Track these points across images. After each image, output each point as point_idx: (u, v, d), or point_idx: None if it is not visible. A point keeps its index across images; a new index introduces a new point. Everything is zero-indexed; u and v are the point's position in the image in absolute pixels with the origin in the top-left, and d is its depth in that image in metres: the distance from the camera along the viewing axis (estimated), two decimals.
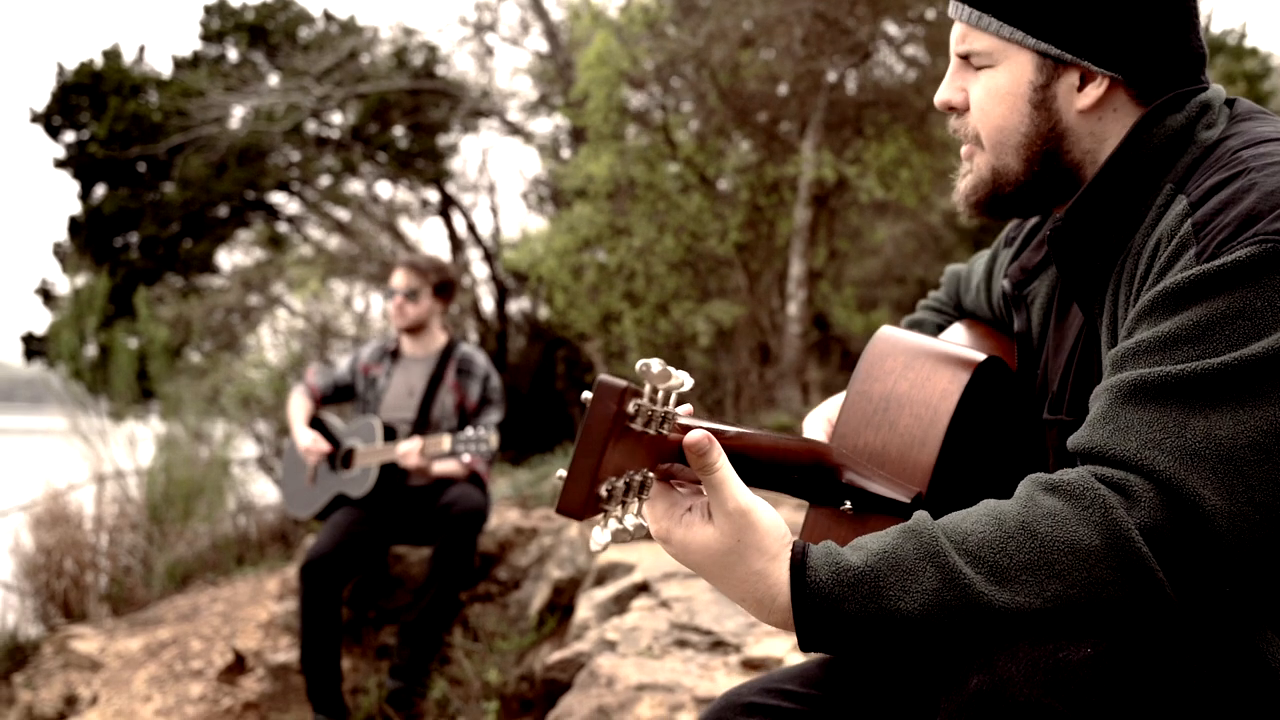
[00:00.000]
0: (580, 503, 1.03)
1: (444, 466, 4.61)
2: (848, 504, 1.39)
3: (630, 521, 1.09)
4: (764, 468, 1.28)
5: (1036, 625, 1.11)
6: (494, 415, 4.77)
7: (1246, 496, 1.10)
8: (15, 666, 5.54)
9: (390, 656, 4.66)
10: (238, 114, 13.90)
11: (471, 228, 14.75)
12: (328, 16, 15.40)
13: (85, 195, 15.02)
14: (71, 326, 9.04)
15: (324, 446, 4.74)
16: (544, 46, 13.52)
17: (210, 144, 13.63)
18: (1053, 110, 1.38)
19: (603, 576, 4.20)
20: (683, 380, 1.08)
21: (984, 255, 1.80)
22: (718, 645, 3.28)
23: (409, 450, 4.46)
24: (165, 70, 15.41)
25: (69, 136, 15.01)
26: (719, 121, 9.99)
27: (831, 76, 9.80)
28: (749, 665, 3.10)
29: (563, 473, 1.05)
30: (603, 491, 1.04)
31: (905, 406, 1.43)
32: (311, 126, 14.37)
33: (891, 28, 10.10)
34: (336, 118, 14.60)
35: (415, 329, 4.82)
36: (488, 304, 14.10)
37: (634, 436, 1.06)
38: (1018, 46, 1.37)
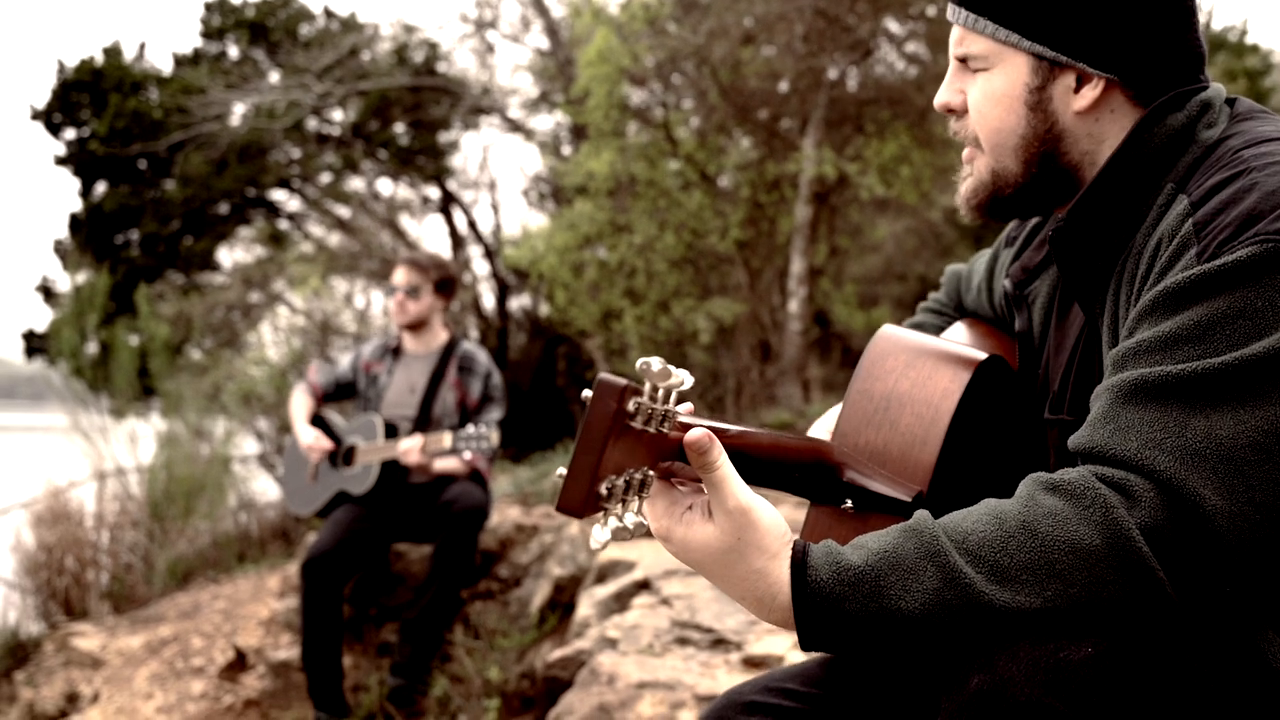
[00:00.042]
0: (580, 501, 1.03)
1: (445, 464, 4.61)
2: (849, 502, 1.39)
3: (630, 519, 1.09)
4: (765, 466, 1.28)
5: (1037, 625, 1.11)
6: (495, 413, 4.77)
7: (1247, 496, 1.10)
8: (17, 664, 5.54)
9: (391, 654, 4.67)
10: (238, 111, 13.90)
11: (472, 225, 14.75)
12: (328, 13, 15.39)
13: (86, 192, 15.02)
14: (72, 324, 9.04)
15: (326, 444, 4.74)
16: (545, 43, 13.51)
17: (211, 141, 13.63)
18: (1049, 112, 1.38)
19: (604, 574, 4.20)
20: (683, 379, 1.08)
21: (984, 254, 1.80)
22: (719, 643, 3.28)
23: (410, 447, 4.46)
24: (166, 67, 15.41)
25: (70, 134, 15.00)
26: (720, 118, 9.98)
27: (832, 73, 9.79)
28: (750, 663, 3.10)
29: (563, 471, 1.05)
30: (603, 490, 1.04)
31: (906, 405, 1.43)
32: (312, 124, 14.37)
33: (893, 24, 10.09)
34: (337, 115, 14.59)
35: (417, 326, 4.82)
36: (489, 301, 14.11)
37: (634, 435, 1.06)
38: (1013, 49, 1.38)
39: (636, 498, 1.11)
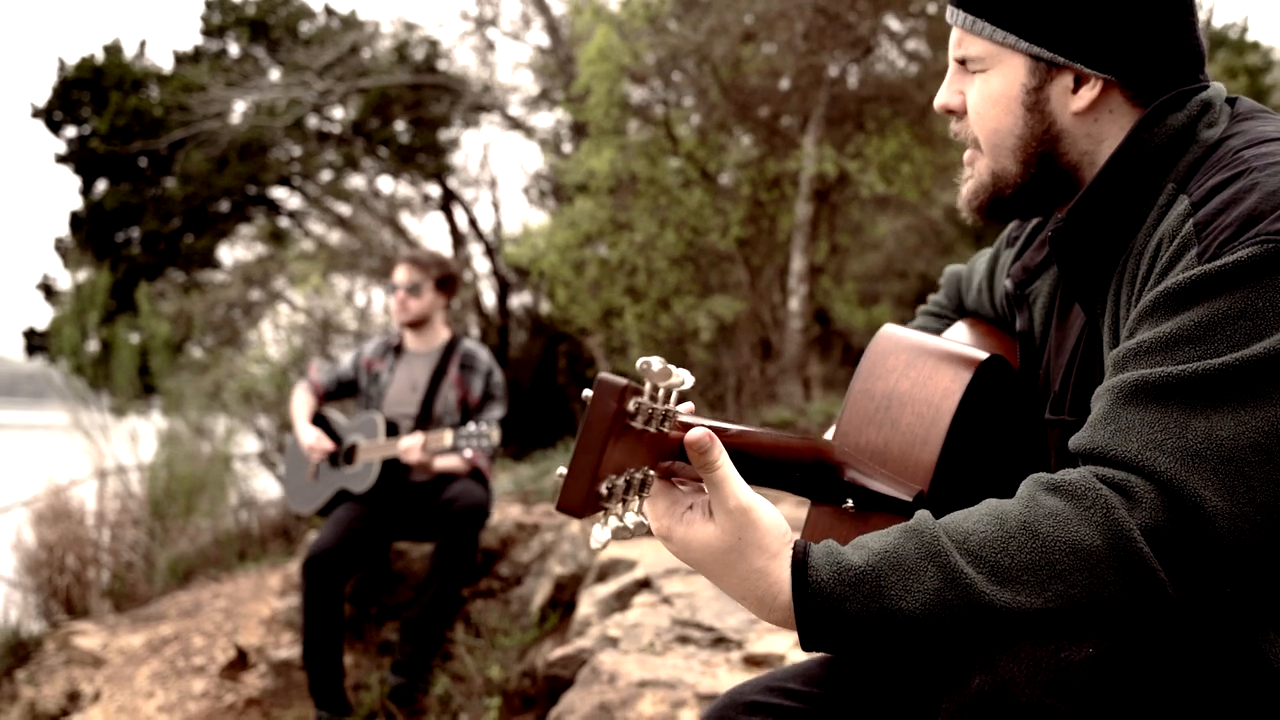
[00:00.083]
0: (580, 500, 1.04)
1: (446, 462, 4.61)
2: (849, 502, 1.40)
3: (630, 519, 1.09)
4: (766, 465, 1.29)
5: (1038, 625, 1.11)
6: (497, 411, 4.77)
7: (1248, 497, 1.10)
8: (18, 663, 5.54)
9: (392, 652, 4.67)
10: (239, 109, 13.89)
11: (473, 223, 14.75)
12: (329, 11, 15.37)
13: (86, 190, 15.01)
14: (73, 322, 9.05)
15: (327, 445, 4.74)
16: (545, 41, 13.50)
17: (211, 139, 13.62)
18: (1046, 112, 1.38)
19: (604, 573, 4.20)
20: (683, 378, 1.08)
21: (984, 255, 1.81)
22: (719, 641, 3.28)
23: (411, 445, 4.46)
24: (166, 65, 15.39)
25: (70, 132, 14.99)
26: (720, 116, 9.97)
27: (833, 71, 9.78)
28: (751, 662, 3.10)
29: (563, 470, 1.05)
30: (603, 489, 1.04)
31: (907, 405, 1.44)
32: (313, 121, 14.36)
33: (893, 22, 10.08)
34: (338, 113, 14.58)
35: (418, 324, 4.82)
36: (489, 299, 14.11)
37: (634, 434, 1.06)
38: (1010, 50, 1.38)
39: (637, 497, 1.11)
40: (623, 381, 1.03)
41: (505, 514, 5.37)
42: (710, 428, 1.15)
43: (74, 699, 4.92)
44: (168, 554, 6.72)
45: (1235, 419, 1.11)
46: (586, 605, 3.91)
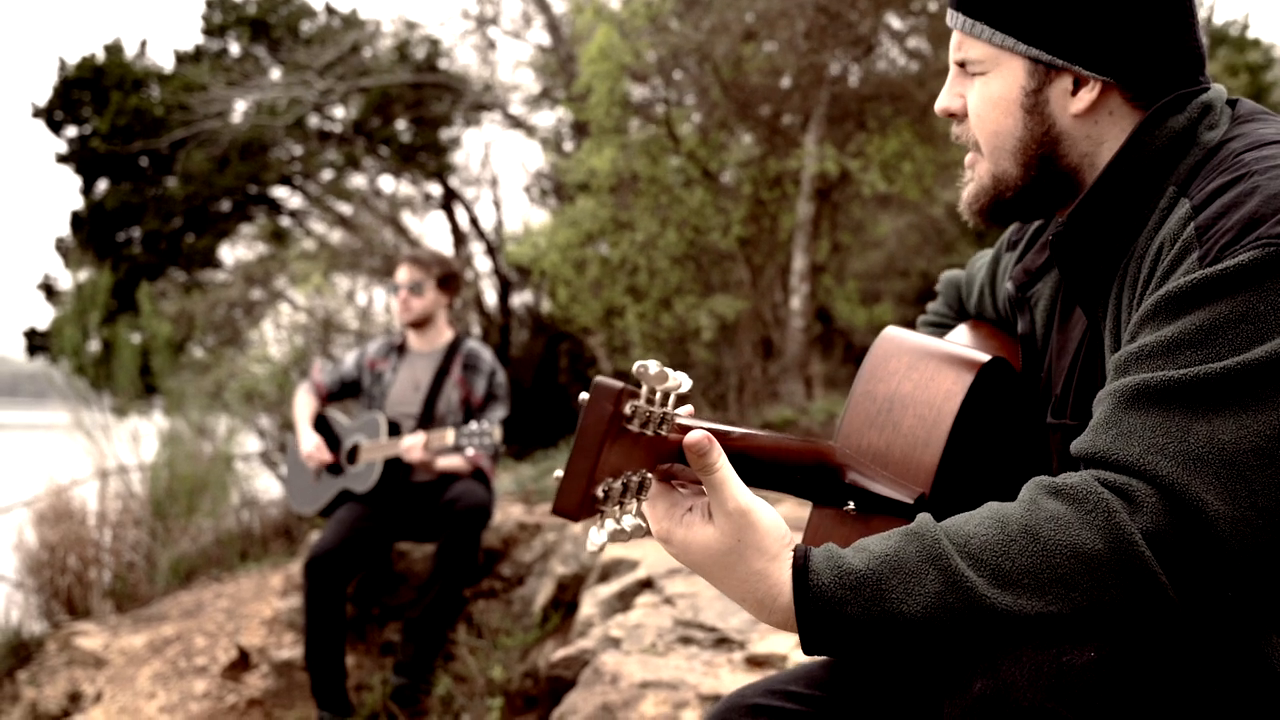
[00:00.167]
0: (576, 504, 1.04)
1: (448, 462, 4.61)
2: (851, 504, 1.40)
3: (628, 522, 1.09)
4: (766, 468, 1.29)
5: (1039, 629, 1.11)
6: (499, 411, 4.77)
7: (1249, 501, 1.10)
8: (19, 663, 5.54)
9: (394, 653, 4.67)
10: (240, 108, 13.89)
11: (474, 222, 14.75)
12: (330, 10, 15.37)
13: (87, 190, 15.01)
14: (74, 322, 9.05)
15: (326, 456, 4.74)
16: (546, 40, 13.50)
17: (212, 138, 13.62)
18: (1046, 115, 1.38)
19: (607, 573, 4.20)
20: (680, 381, 1.08)
21: (983, 257, 1.81)
22: (722, 642, 3.28)
23: (413, 444, 4.47)
24: (167, 65, 15.39)
25: (71, 131, 14.99)
26: (721, 115, 9.97)
27: (834, 69, 9.78)
28: (753, 662, 3.10)
29: (559, 473, 1.05)
30: (599, 492, 1.04)
31: (909, 407, 1.43)
32: (314, 121, 14.36)
33: (894, 20, 10.08)
34: (339, 112, 14.58)
35: (421, 324, 4.82)
36: (491, 298, 14.11)
37: (631, 438, 1.06)
38: (1010, 53, 1.38)
39: (634, 500, 1.11)
40: (619, 384, 1.03)
41: (507, 514, 5.37)
42: (711, 430, 1.15)
43: (75, 700, 4.92)
44: (169, 554, 6.72)
45: (1237, 423, 1.11)
46: (588, 606, 3.91)
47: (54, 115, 14.91)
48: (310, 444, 4.76)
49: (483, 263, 14.52)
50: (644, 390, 1.05)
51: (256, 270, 13.93)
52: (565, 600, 4.42)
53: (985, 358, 1.49)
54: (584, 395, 1.04)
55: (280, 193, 15.39)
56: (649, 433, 1.07)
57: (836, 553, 1.17)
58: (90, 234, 14.57)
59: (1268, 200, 1.16)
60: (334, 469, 4.77)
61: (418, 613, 4.48)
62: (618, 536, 1.08)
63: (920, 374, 1.46)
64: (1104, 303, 1.38)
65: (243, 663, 4.86)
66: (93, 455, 7.57)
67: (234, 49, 15.42)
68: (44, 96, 15.00)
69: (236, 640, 4.98)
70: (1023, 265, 1.59)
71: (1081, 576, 1.10)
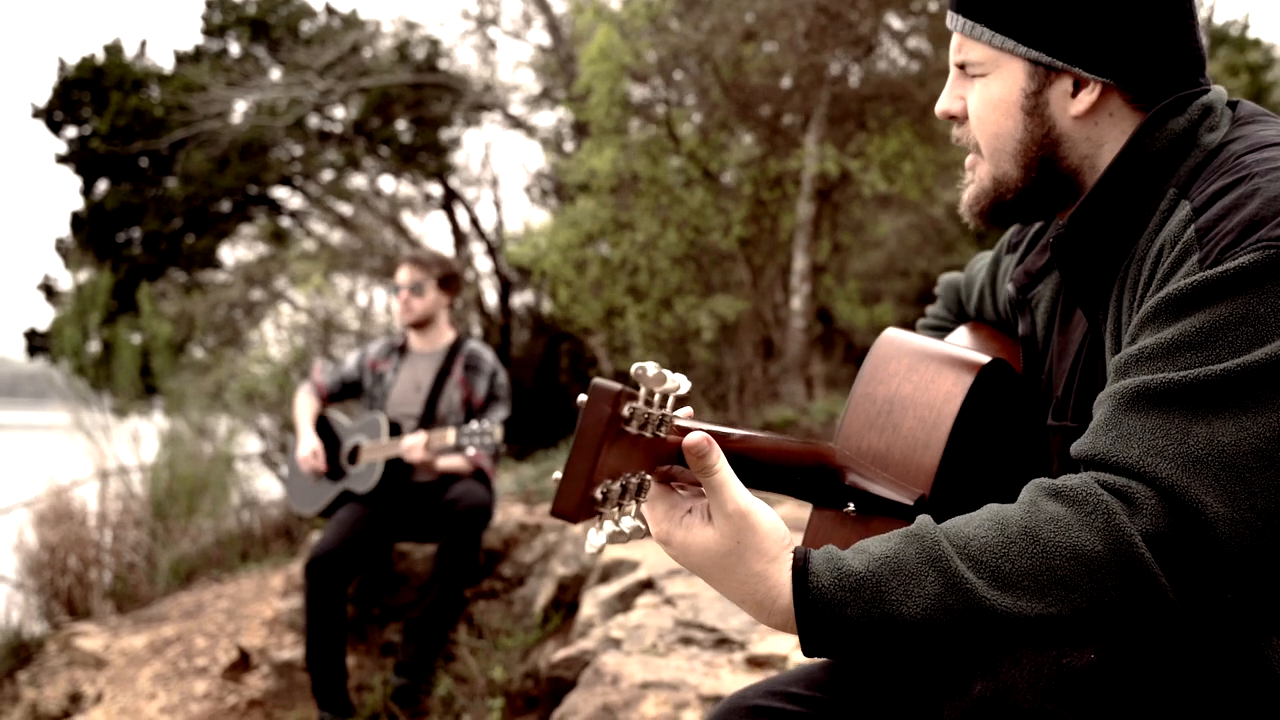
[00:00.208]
0: (575, 505, 1.04)
1: (449, 462, 4.61)
2: (851, 506, 1.39)
3: (626, 524, 1.09)
4: (766, 470, 1.29)
5: (1039, 630, 1.11)
6: (500, 411, 4.77)
7: (1249, 503, 1.09)
8: (20, 664, 5.54)
9: (395, 653, 4.67)
10: (240, 109, 13.90)
11: (475, 222, 14.75)
12: (330, 10, 15.37)
13: (87, 191, 15.02)
14: (74, 322, 9.04)
15: (320, 465, 4.74)
16: (546, 40, 13.51)
17: (212, 139, 13.63)
18: (1046, 116, 1.38)
19: (607, 574, 4.20)
20: (679, 383, 1.08)
21: (982, 259, 1.81)
22: (722, 643, 3.28)
23: (414, 444, 4.47)
24: (167, 65, 15.40)
25: (71, 132, 15.00)
26: (722, 115, 9.97)
27: (834, 70, 9.78)
28: (753, 663, 3.10)
29: (558, 474, 1.05)
30: (597, 494, 1.04)
31: (909, 409, 1.43)
32: (314, 121, 14.37)
33: (894, 20, 10.08)
34: (339, 112, 14.59)
35: (422, 324, 4.83)
36: (491, 298, 14.11)
37: (629, 439, 1.06)
38: (1010, 55, 1.38)
39: (633, 502, 1.11)
40: (617, 386, 1.03)
41: (508, 514, 5.37)
42: (710, 432, 1.16)
43: (76, 700, 4.92)
44: (170, 555, 6.72)
45: (1237, 425, 1.11)
46: (589, 606, 3.91)
47: (54, 116, 14.91)
48: (307, 448, 4.75)
49: (483, 263, 14.55)
50: (642, 392, 1.05)
51: (257, 271, 13.94)
52: (566, 601, 4.42)
53: (985, 359, 1.49)
54: (582, 397, 1.05)
55: (280, 193, 15.40)
56: (648, 434, 1.07)
57: (836, 554, 1.17)
58: (90, 234, 14.57)
59: (1268, 203, 1.16)
60: (334, 471, 4.77)
61: (418, 613, 4.48)
62: (617, 538, 1.08)
63: (920, 376, 1.46)
64: (1104, 305, 1.38)
65: (243, 663, 4.86)
66: (93, 456, 7.57)
67: (234, 49, 15.43)
68: (44, 97, 15.02)
69: (237, 641, 4.98)
70: (1023, 267, 1.59)
71: (1081, 578, 1.10)
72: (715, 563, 1.19)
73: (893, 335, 1.54)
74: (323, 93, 13.29)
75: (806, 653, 1.17)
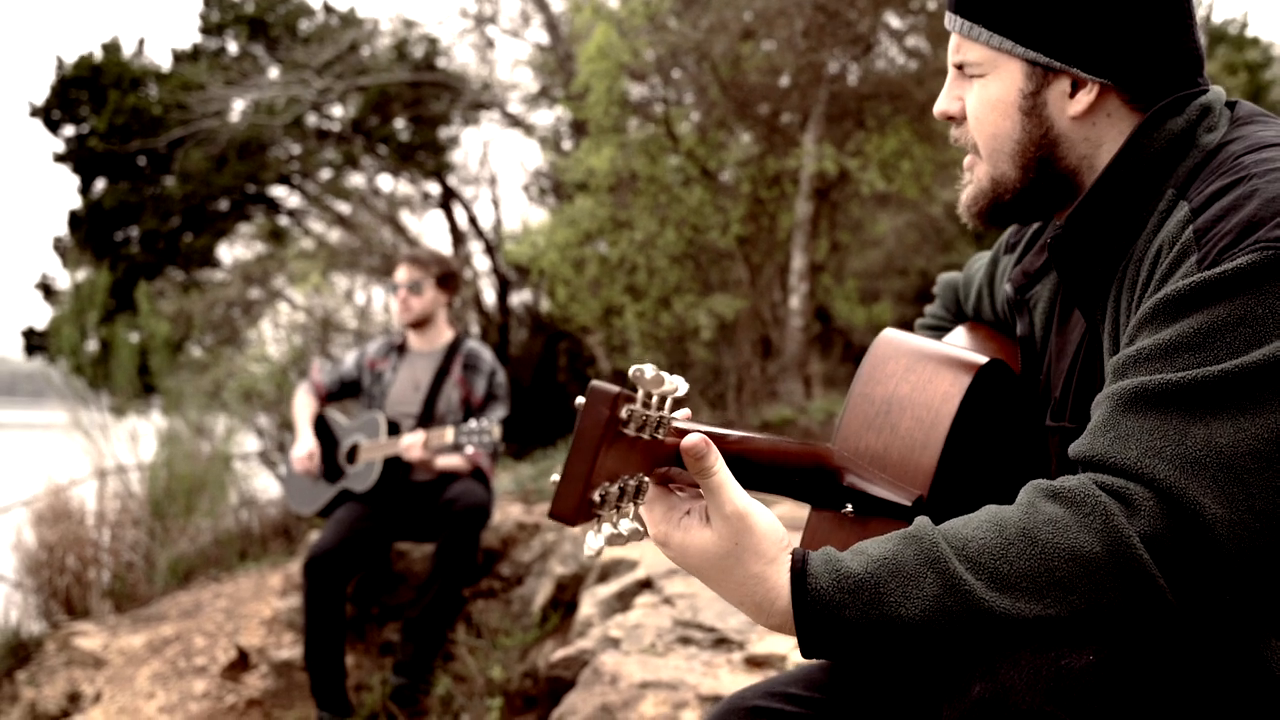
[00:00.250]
0: (573, 508, 1.04)
1: (447, 461, 4.61)
2: (849, 507, 1.39)
3: (624, 526, 1.09)
4: (764, 471, 1.29)
5: (1037, 632, 1.11)
6: (499, 411, 4.77)
7: (1247, 505, 1.09)
8: (18, 663, 5.54)
9: (394, 653, 4.67)
10: (238, 107, 13.89)
11: (473, 220, 14.75)
12: (328, 9, 15.36)
13: (85, 189, 15.01)
14: (72, 321, 9.05)
15: (315, 467, 4.73)
16: (544, 39, 13.50)
17: (210, 137, 13.62)
18: (1044, 117, 1.38)
19: (606, 573, 4.20)
20: (677, 385, 1.08)
21: (981, 259, 1.81)
22: (721, 642, 3.28)
23: (412, 443, 4.47)
24: (165, 63, 15.39)
25: (68, 130, 14.99)
26: (720, 114, 9.97)
27: (833, 68, 9.79)
28: (752, 663, 3.10)
29: (556, 477, 1.05)
30: (595, 497, 1.04)
31: (907, 409, 1.43)
32: (312, 119, 14.36)
33: (893, 19, 10.08)
34: (337, 110, 14.58)
35: (421, 323, 4.82)
36: (489, 297, 14.11)
37: (627, 442, 1.06)
38: (1008, 55, 1.38)
39: (631, 504, 1.11)
40: (614, 389, 1.03)
41: (506, 514, 5.37)
42: (708, 434, 1.16)
43: (75, 700, 4.92)
44: (168, 554, 6.72)
45: (1235, 426, 1.11)
46: (588, 606, 3.91)
47: (52, 114, 14.90)
48: (304, 450, 4.75)
49: (481, 262, 14.54)
50: (640, 394, 1.05)
51: (255, 269, 13.93)
52: (564, 600, 4.42)
53: (983, 360, 1.49)
54: (580, 400, 1.04)
55: (278, 192, 15.39)
56: (645, 436, 1.07)
57: (834, 556, 1.17)
58: (88, 233, 14.56)
59: (1266, 203, 1.16)
60: (332, 472, 4.77)
61: (417, 612, 4.48)
62: (615, 541, 1.09)
63: (918, 376, 1.46)
64: (1103, 305, 1.38)
65: (242, 663, 4.86)
66: (91, 455, 7.57)
67: (232, 48, 15.42)
68: (41, 95, 15.02)
69: (236, 640, 4.98)
70: (1021, 267, 1.59)
71: (1079, 580, 1.10)
72: (713, 564, 1.19)
73: (891, 335, 1.54)
74: (321, 91, 13.29)
75: (805, 654, 1.17)
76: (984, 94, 1.41)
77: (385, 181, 15.42)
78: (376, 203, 14.91)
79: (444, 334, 4.89)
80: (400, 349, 4.90)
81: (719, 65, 9.42)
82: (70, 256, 13.86)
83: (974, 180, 1.47)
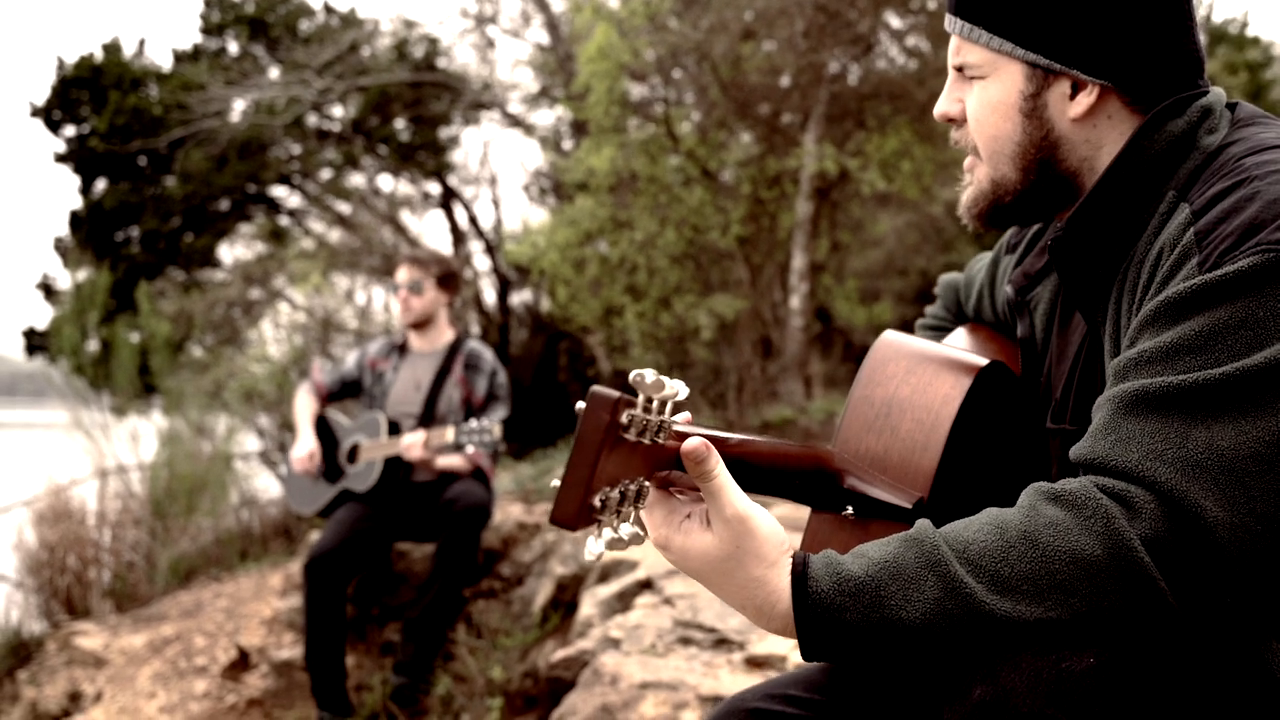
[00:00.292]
0: (574, 513, 1.04)
1: (448, 460, 4.61)
2: (849, 509, 1.39)
3: (625, 530, 1.09)
4: (764, 474, 1.29)
5: (1038, 635, 1.11)
6: (500, 411, 4.77)
7: (1248, 507, 1.09)
8: (19, 663, 5.55)
9: (394, 653, 4.67)
10: (238, 107, 13.89)
11: (473, 220, 14.75)
12: (328, 9, 15.36)
13: (86, 190, 15.01)
14: (73, 321, 9.05)
15: (314, 468, 4.73)
16: (545, 39, 13.50)
17: (211, 138, 13.62)
18: (1044, 119, 1.38)
19: (606, 574, 4.20)
20: (677, 390, 1.08)
21: (982, 260, 1.80)
22: (721, 643, 3.28)
23: (413, 442, 4.47)
24: (165, 64, 15.39)
25: (69, 131, 14.99)
26: (720, 114, 9.97)
27: (833, 68, 9.78)
28: (752, 663, 3.11)
29: (557, 482, 1.05)
30: (596, 502, 1.04)
31: (907, 411, 1.43)
32: (312, 119, 14.36)
33: (893, 19, 10.08)
34: (337, 111, 14.58)
35: (422, 323, 4.83)
36: (490, 297, 14.11)
37: (628, 446, 1.06)
38: (1008, 57, 1.38)
39: (632, 508, 1.11)
40: (615, 394, 1.03)
41: (507, 514, 5.37)
42: (708, 437, 1.16)
43: (75, 699, 4.92)
44: (169, 554, 6.72)
45: (1236, 429, 1.11)
46: (588, 606, 3.91)
47: (52, 115, 14.91)
48: (304, 450, 4.75)
49: (482, 261, 14.54)
50: (640, 399, 1.05)
51: (255, 269, 13.94)
52: (565, 600, 4.42)
53: (983, 362, 1.48)
54: (580, 405, 1.05)
55: (279, 192, 15.40)
56: (646, 441, 1.07)
57: (835, 559, 1.17)
58: (89, 233, 14.57)
59: (1268, 206, 1.16)
60: (333, 472, 4.77)
61: (417, 613, 4.48)
62: (615, 545, 1.09)
63: (918, 378, 1.46)
64: (1103, 307, 1.38)
65: (242, 663, 4.86)
66: (92, 455, 7.57)
67: (232, 48, 15.43)
68: (42, 96, 15.02)
69: (236, 640, 4.98)
70: (1022, 269, 1.59)
71: (1081, 582, 1.10)
72: (714, 568, 1.19)
73: (891, 338, 1.54)
74: (321, 91, 13.29)
75: (806, 657, 1.17)
76: (984, 96, 1.41)
77: (385, 181, 15.44)
78: (377, 203, 14.91)
79: (445, 334, 4.89)
80: (401, 349, 4.91)
81: (719, 65, 9.42)
82: (71, 256, 13.87)
83: (974, 182, 1.47)
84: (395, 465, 4.60)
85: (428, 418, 4.70)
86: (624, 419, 1.03)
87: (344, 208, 15.00)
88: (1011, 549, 1.12)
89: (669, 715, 2.85)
